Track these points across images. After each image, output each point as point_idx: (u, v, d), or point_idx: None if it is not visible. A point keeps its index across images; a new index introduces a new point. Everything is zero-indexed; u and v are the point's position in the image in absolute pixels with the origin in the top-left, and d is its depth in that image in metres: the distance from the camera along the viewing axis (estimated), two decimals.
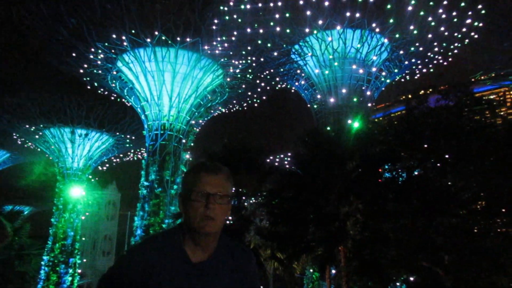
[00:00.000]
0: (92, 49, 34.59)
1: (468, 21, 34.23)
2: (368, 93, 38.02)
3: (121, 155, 57.17)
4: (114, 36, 33.23)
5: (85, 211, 56.91)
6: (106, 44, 34.05)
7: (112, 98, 42.48)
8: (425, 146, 19.34)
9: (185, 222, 2.35)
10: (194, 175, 2.35)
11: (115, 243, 75.63)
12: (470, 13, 33.65)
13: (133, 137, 48.79)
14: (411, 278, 22.14)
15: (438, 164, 19.87)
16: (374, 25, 33.85)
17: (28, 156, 58.56)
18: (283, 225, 19.66)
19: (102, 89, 41.38)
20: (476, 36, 36.19)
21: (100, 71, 37.74)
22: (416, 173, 20.39)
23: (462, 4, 32.83)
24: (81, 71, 37.47)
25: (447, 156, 19.48)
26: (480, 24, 34.74)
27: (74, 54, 35.35)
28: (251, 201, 23.32)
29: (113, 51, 34.80)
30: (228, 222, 20.77)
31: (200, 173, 2.34)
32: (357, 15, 32.85)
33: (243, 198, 21.64)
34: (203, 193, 2.28)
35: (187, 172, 2.45)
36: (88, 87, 40.89)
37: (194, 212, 2.28)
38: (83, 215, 53.28)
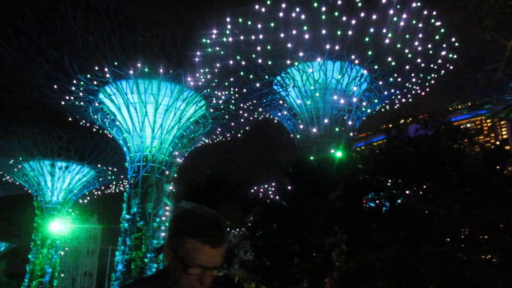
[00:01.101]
0: (74, 81, 34.45)
1: (443, 53, 35.57)
2: (350, 122, 38.62)
3: (103, 188, 56.12)
4: (96, 68, 33.26)
5: (65, 246, 55.14)
6: (88, 76, 33.99)
7: (94, 130, 42.08)
8: (407, 175, 19.48)
9: (172, 282, 2.19)
10: (196, 245, 2.07)
11: (95, 279, 73.12)
12: (444, 45, 35.03)
13: (115, 169, 48.10)
14: None
15: (421, 192, 19.99)
16: (353, 57, 34.78)
17: (5, 190, 56.93)
18: (267, 257, 19.30)
19: (83, 121, 41.01)
20: (451, 67, 37.51)
21: (81, 103, 37.48)
22: (399, 201, 20.43)
23: (437, 37, 34.19)
24: (63, 103, 37.15)
25: (428, 184, 19.63)
26: (455, 56, 36.11)
27: (55, 86, 35.13)
28: (235, 233, 22.92)
29: (95, 83, 34.72)
30: None
31: (205, 246, 2.08)
32: (337, 47, 33.77)
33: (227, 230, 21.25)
34: (203, 267, 2.09)
35: (186, 232, 2.09)
36: (69, 119, 40.50)
37: (187, 283, 2.11)
38: (62, 251, 51.58)
